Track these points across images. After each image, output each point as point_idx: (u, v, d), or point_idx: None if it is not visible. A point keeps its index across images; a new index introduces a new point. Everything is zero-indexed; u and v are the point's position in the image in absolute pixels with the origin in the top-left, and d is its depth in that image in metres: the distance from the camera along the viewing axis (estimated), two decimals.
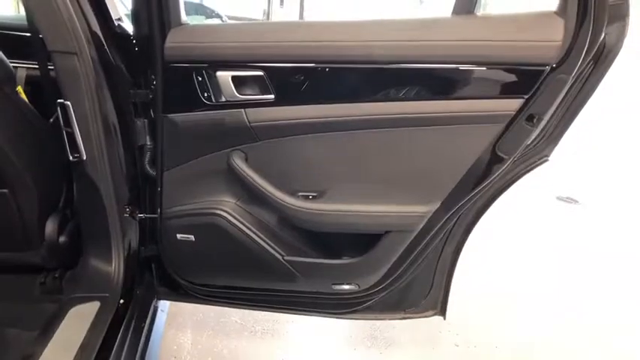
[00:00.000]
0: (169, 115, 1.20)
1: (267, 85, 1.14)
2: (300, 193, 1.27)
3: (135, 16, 1.18)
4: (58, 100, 1.18)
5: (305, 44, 1.10)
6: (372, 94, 1.12)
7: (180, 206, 1.32)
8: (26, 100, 1.28)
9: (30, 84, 1.57)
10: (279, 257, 1.35)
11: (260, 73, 1.13)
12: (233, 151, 1.23)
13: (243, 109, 1.17)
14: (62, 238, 1.44)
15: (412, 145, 1.16)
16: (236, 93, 1.15)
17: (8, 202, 1.30)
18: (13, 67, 1.23)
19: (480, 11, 1.08)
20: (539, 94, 1.04)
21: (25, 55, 1.61)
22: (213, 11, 11.62)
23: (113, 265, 1.37)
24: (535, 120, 1.07)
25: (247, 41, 1.13)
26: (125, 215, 1.37)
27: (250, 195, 1.27)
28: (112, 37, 1.21)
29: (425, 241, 1.30)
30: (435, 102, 1.11)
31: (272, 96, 1.15)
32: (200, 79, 1.15)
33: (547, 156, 1.19)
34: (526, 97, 1.05)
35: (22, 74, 1.61)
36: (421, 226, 1.25)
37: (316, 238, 1.36)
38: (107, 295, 1.30)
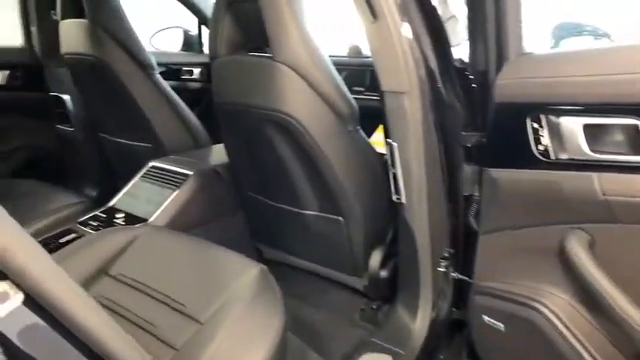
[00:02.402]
0: (490, 170, 0.96)
1: None
2: None
3: (471, 46, 1.00)
4: (387, 140, 1.15)
5: None
6: None
7: (493, 282, 1.05)
8: (365, 137, 1.32)
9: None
10: None
11: (634, 121, 0.73)
12: (571, 230, 0.86)
13: (595, 174, 0.79)
14: (383, 272, 1.43)
15: None
16: (587, 149, 0.79)
17: (341, 228, 1.39)
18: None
19: None
20: None
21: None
22: (596, 30, 9.37)
23: (417, 319, 1.24)
24: None
25: (615, 73, 0.75)
26: (439, 269, 1.22)
27: (590, 297, 0.86)
28: (448, 72, 1.08)
29: None
30: None
31: None
32: (535, 125, 0.85)
33: None
34: None
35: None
36: None
37: None
38: (402, 352, 1.19)
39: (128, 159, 1.96)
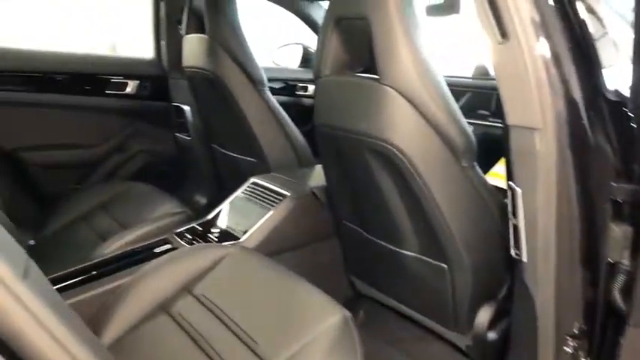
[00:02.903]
0: None
1: None
2: None
3: (635, 73, 0.77)
4: (509, 183, 0.95)
5: None
6: None
7: None
8: (482, 175, 1.12)
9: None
10: None
11: None
12: None
13: None
14: (492, 334, 1.21)
15: None
16: None
17: (444, 276, 1.20)
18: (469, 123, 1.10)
19: None
20: None
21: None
22: None
23: None
24: None
25: None
26: (565, 349, 0.98)
27: None
28: (596, 106, 0.85)
29: None
30: None
31: None
32: None
33: None
34: None
35: None
36: None
37: None
38: None
39: (234, 172, 1.98)
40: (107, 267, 1.31)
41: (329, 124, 1.22)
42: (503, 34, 0.83)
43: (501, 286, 1.23)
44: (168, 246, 1.42)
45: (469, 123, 1.67)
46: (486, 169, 1.36)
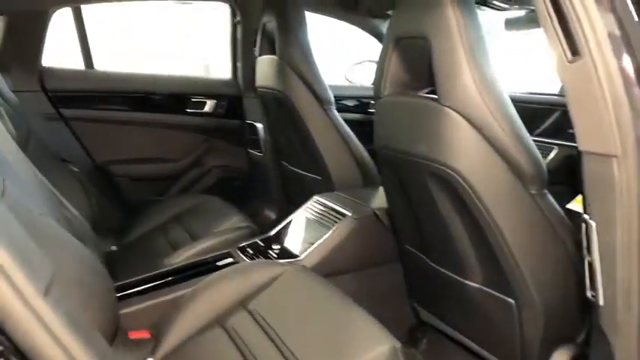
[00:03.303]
0: None
1: None
2: None
3: None
4: (583, 215, 0.85)
5: None
6: None
7: None
8: (554, 203, 1.01)
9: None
10: None
11: None
12: None
13: None
14: None
15: None
16: None
17: (512, 313, 1.10)
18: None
19: None
20: None
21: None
22: None
23: None
24: None
25: None
26: None
27: None
28: None
29: None
30: None
31: None
32: None
33: None
34: None
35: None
36: None
37: None
38: None
39: (301, 188, 2.00)
40: (171, 277, 1.37)
41: (389, 146, 1.18)
42: (574, 51, 0.75)
43: (580, 329, 1.11)
44: (229, 260, 1.46)
45: (557, 144, 1.57)
46: (575, 194, 1.24)
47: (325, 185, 1.83)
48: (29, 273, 0.54)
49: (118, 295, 1.21)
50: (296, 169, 2.03)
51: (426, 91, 1.10)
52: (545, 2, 0.76)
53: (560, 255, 1.03)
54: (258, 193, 2.36)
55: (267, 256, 1.48)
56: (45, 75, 2.00)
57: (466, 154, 0.98)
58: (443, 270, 1.25)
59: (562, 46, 0.76)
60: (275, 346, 1.01)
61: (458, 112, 0.96)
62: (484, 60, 0.95)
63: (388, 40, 1.11)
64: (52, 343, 0.51)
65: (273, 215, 2.29)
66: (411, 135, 1.09)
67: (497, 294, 1.12)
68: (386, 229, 1.50)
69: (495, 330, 1.19)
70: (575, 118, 0.79)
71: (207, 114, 2.27)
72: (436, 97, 0.99)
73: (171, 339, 1.11)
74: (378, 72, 1.16)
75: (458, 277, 1.20)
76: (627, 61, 0.73)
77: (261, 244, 1.56)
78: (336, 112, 1.80)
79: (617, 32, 0.73)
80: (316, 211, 1.60)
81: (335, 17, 2.31)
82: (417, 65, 1.07)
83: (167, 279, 1.36)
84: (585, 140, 0.79)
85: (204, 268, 1.41)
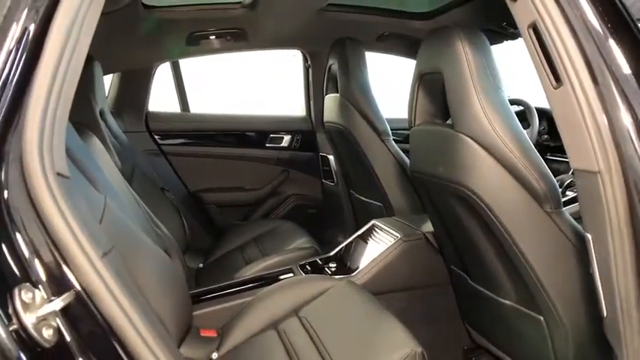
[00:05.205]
0: None
1: None
2: None
3: None
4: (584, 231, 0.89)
5: None
6: None
7: None
8: (571, 219, 1.04)
9: None
10: None
11: None
12: None
13: None
14: None
15: None
16: None
17: (542, 329, 1.13)
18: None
19: None
20: None
21: None
22: None
23: None
24: None
25: None
26: None
27: None
28: None
29: None
30: None
31: None
32: None
33: None
34: None
35: None
36: None
37: None
38: None
39: (366, 214, 2.14)
40: (239, 287, 1.58)
41: (419, 170, 1.30)
42: (557, 78, 0.83)
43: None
44: (290, 275, 1.64)
45: None
46: None
47: (386, 211, 1.95)
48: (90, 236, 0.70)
49: (194, 299, 1.45)
50: (362, 197, 2.18)
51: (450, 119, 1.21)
52: (530, 37, 0.86)
53: (583, 273, 1.05)
54: (332, 220, 2.54)
55: (322, 273, 1.64)
56: (149, 118, 2.41)
57: (479, 175, 1.06)
58: (481, 288, 1.30)
59: (547, 74, 0.84)
60: (316, 349, 1.16)
61: (470, 137, 1.06)
62: (491, 87, 1.04)
63: (415, 76, 1.25)
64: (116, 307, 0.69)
65: (345, 241, 2.44)
66: (434, 159, 1.20)
67: (528, 311, 1.15)
68: (436, 252, 1.58)
69: (531, 348, 1.21)
70: (565, 138, 0.86)
71: (284, 148, 2.54)
72: (451, 123, 1.10)
73: (234, 338, 1.31)
74: (410, 104, 1.30)
75: (493, 295, 1.25)
76: (606, 86, 0.80)
77: (320, 262, 1.72)
78: (393, 142, 1.94)
79: (596, 59, 0.80)
80: (372, 234, 1.73)
81: (398, 55, 2.49)
82: (437, 97, 1.20)
83: (235, 288, 1.58)
84: (574, 158, 0.85)
85: (267, 280, 1.61)
